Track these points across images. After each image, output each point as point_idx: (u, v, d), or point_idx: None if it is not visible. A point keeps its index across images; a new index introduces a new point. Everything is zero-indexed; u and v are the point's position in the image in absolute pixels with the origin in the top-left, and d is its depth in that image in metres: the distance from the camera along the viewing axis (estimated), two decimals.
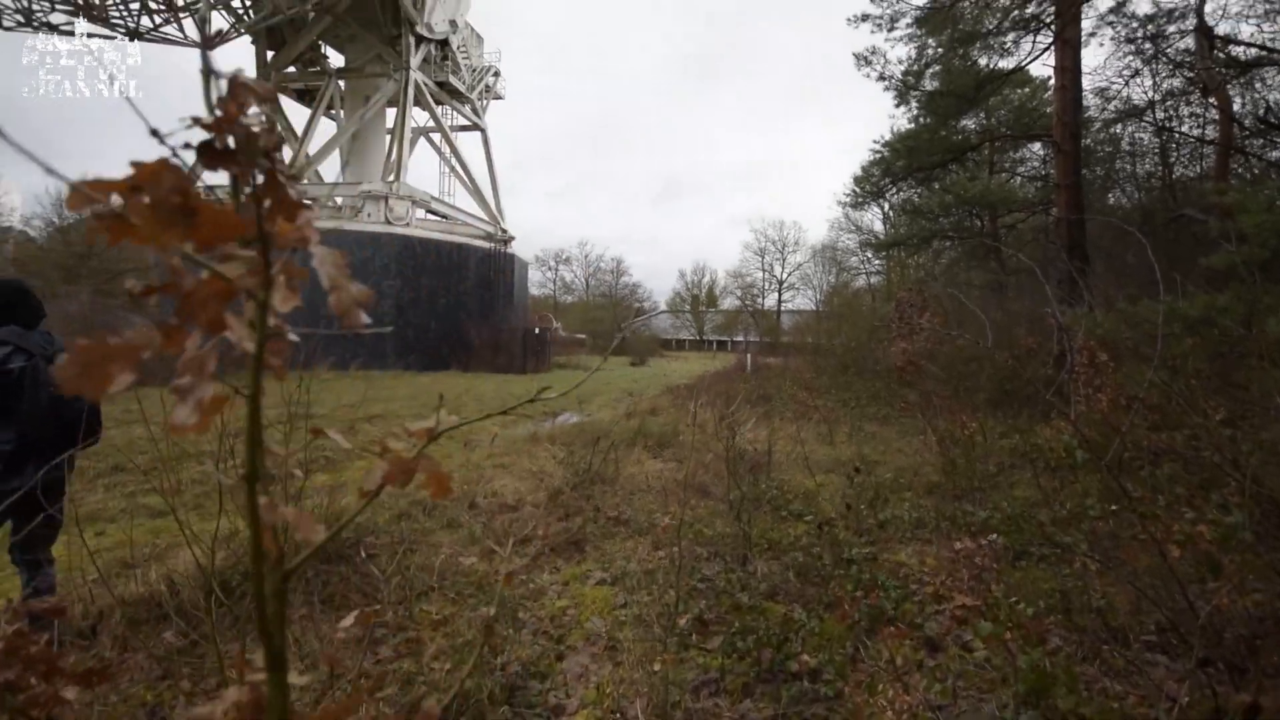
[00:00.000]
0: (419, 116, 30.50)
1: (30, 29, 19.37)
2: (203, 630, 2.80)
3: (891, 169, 13.79)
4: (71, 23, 18.87)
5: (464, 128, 30.79)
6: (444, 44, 26.99)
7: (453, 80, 27.23)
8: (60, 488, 2.82)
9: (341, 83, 26.85)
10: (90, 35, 19.40)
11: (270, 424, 7.76)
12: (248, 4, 22.74)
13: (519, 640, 2.70)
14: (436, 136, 29.96)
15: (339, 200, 25.57)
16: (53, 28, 18.94)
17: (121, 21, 19.94)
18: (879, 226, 29.98)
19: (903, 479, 5.27)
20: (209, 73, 0.42)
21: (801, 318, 38.35)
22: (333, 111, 27.16)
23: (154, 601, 2.86)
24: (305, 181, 24.71)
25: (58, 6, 18.83)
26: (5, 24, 19.09)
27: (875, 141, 12.90)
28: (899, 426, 8.72)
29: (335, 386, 15.80)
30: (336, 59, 27.51)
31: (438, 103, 27.11)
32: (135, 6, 19.87)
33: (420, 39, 25.17)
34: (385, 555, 3.74)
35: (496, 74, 32.25)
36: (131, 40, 20.38)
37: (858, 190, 16.69)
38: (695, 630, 2.69)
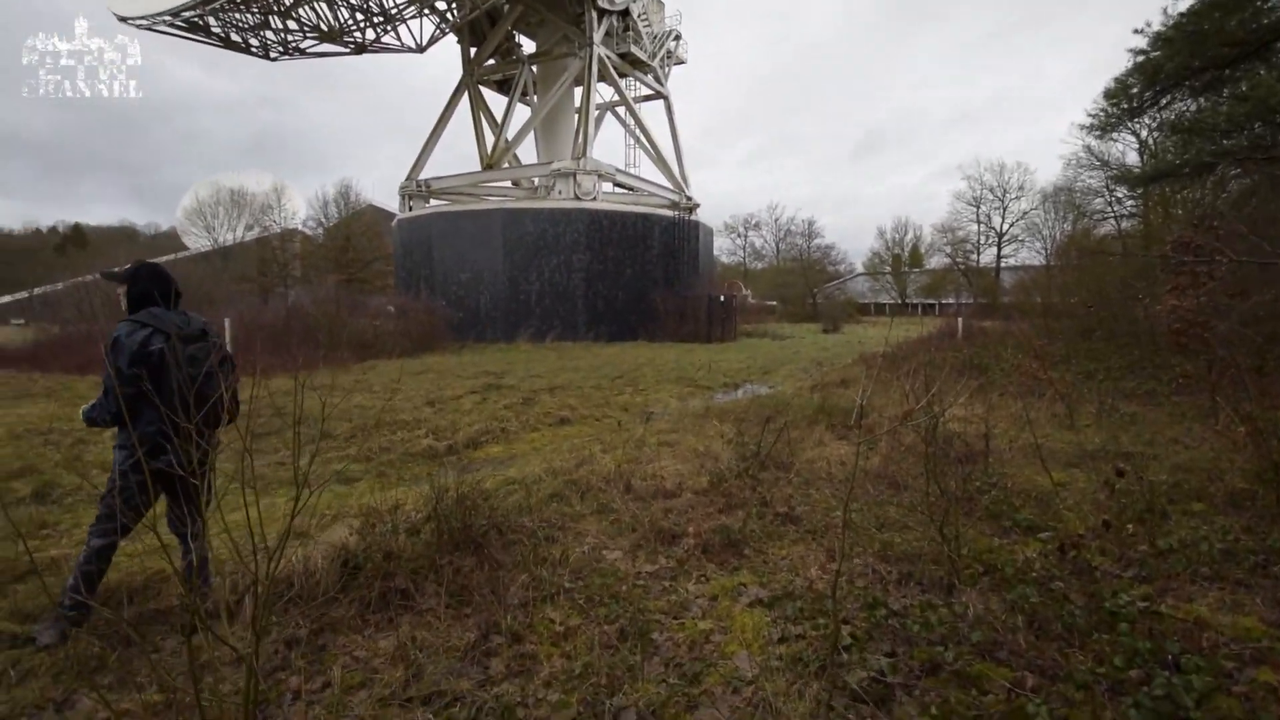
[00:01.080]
0: (604, 92, 31.16)
1: (289, 57, 22.92)
2: (329, 617, 2.73)
3: (1161, 72, 10.73)
4: (313, 44, 21.91)
5: (648, 97, 30.84)
6: (625, 14, 27.02)
7: (634, 50, 27.22)
8: (205, 465, 2.90)
9: (534, 68, 28.19)
10: (323, 54, 22.45)
11: (461, 395, 8.13)
12: (451, 5, 24.64)
13: (644, 673, 2.21)
14: (622, 110, 30.40)
15: (535, 180, 27.11)
16: (302, 51, 22.22)
17: (353, 39, 22.71)
18: (1133, 158, 24.44)
19: (1189, 483, 3.87)
20: None
21: (1026, 274, 33.08)
22: (527, 97, 28.69)
23: (289, 581, 2.84)
24: (505, 165, 26.53)
25: (308, 35, 21.96)
26: (272, 55, 22.74)
27: (1140, 31, 10.06)
28: (1171, 408, 6.76)
29: (531, 357, 16.78)
30: (529, 46, 28.94)
31: (621, 75, 27.33)
32: (364, 25, 22.53)
33: (602, 12, 25.40)
34: (526, 543, 3.49)
35: (678, 38, 31.69)
36: (358, 53, 23.19)
37: (1108, 110, 13.41)
38: (870, 696, 1.98)
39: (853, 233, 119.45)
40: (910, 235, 71.21)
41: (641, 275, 24.39)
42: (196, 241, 48.77)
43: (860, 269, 68.42)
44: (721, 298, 25.77)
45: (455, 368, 13.62)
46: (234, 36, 21.98)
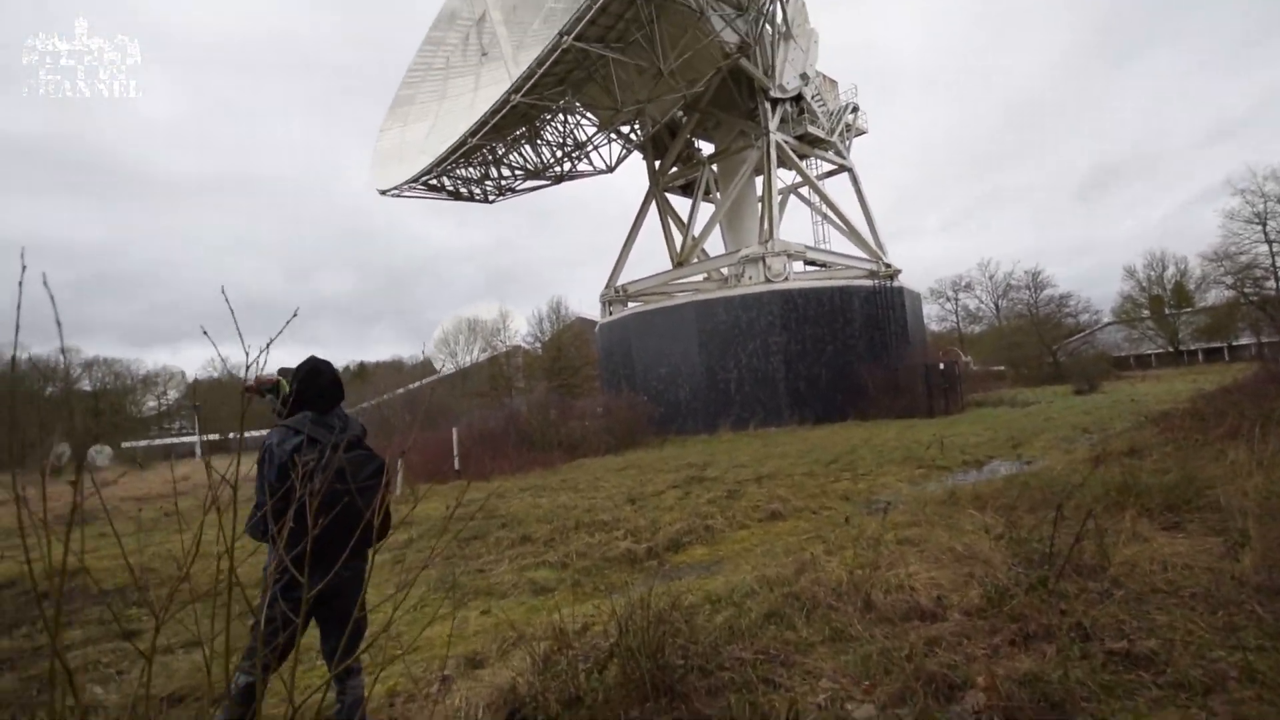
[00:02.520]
0: (785, 176, 31.20)
1: (503, 198, 26.36)
2: None
3: None
4: (525, 180, 24.94)
5: (831, 173, 30.23)
6: (798, 99, 27.17)
7: (811, 130, 27.03)
8: (356, 591, 2.56)
9: (714, 167, 29.26)
10: (531, 189, 25.40)
11: (663, 490, 7.61)
12: (634, 126, 26.82)
13: None
14: (805, 190, 30.04)
15: (725, 271, 27.39)
16: (514, 190, 25.44)
17: (553, 172, 25.52)
18: None
19: None
20: None
21: None
22: (710, 195, 29.70)
23: None
24: (694, 260, 27.22)
25: (516, 173, 25.15)
26: (490, 199, 26.32)
27: None
28: None
29: (734, 446, 16.01)
30: (707, 148, 30.27)
31: (801, 156, 27.18)
32: (563, 158, 25.35)
33: (775, 102, 25.79)
34: (737, 684, 2.64)
35: (855, 109, 31.05)
36: (558, 183, 25.89)
37: None
38: None
39: (1090, 281, 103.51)
40: (1171, 270, 59.58)
41: (844, 350, 22.78)
42: (444, 367, 56.82)
43: (1108, 317, 58.11)
44: (941, 365, 22.99)
45: (657, 462, 13.31)
46: (461, 190, 25.93)
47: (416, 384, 38.95)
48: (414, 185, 23.49)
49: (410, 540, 6.77)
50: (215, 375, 71.78)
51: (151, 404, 64.58)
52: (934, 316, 59.34)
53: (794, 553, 4.87)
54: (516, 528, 6.67)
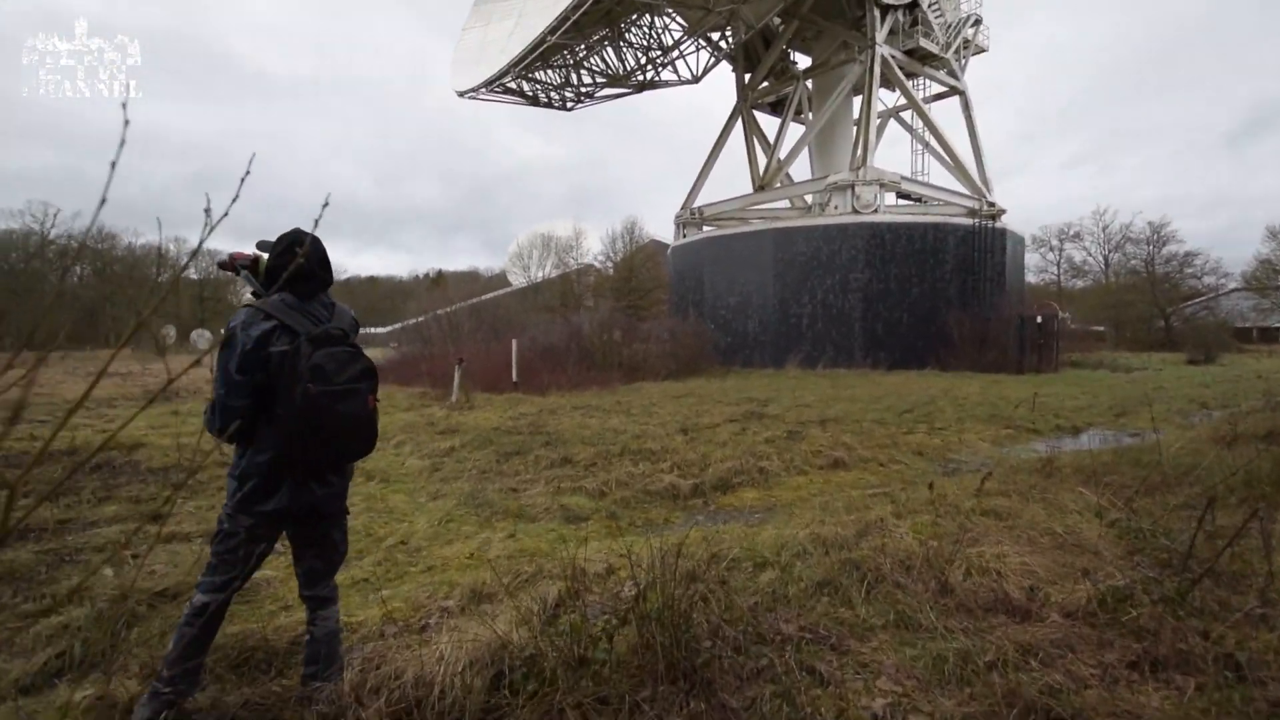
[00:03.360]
0: (886, 99, 28.44)
1: (582, 105, 25.27)
2: None
3: None
4: (606, 86, 23.73)
5: (939, 96, 27.23)
6: (912, 7, 24.25)
7: (924, 44, 24.21)
8: (335, 509, 2.19)
9: (809, 83, 26.92)
10: (611, 98, 24.13)
11: (719, 423, 7.14)
12: (725, 33, 24.77)
13: None
14: (908, 114, 27.37)
15: (809, 199, 25.66)
16: (593, 97, 24.28)
17: (635, 79, 24.09)
18: None
19: None
20: None
21: None
22: (801, 116, 27.51)
23: (427, 682, 1.96)
24: (777, 185, 25.57)
25: (597, 79, 23.91)
26: (569, 106, 25.29)
27: None
28: None
29: (800, 384, 15.28)
30: (803, 63, 27.80)
31: (908, 74, 24.59)
32: (646, 65, 23.83)
33: (886, 9, 23.13)
34: (776, 670, 2.18)
35: (977, 23, 27.49)
36: (640, 91, 24.50)
37: None
38: None
39: (1226, 240, 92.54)
40: None
41: (931, 294, 21.16)
42: (517, 280, 57.50)
43: (1233, 285, 51.90)
44: (1039, 319, 21.07)
45: (717, 393, 12.82)
46: (540, 95, 24.97)
47: (487, 296, 39.45)
48: (492, 87, 22.72)
49: (452, 449, 6.62)
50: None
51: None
52: (1033, 267, 54.52)
53: (857, 510, 4.32)
54: (560, 447, 6.37)
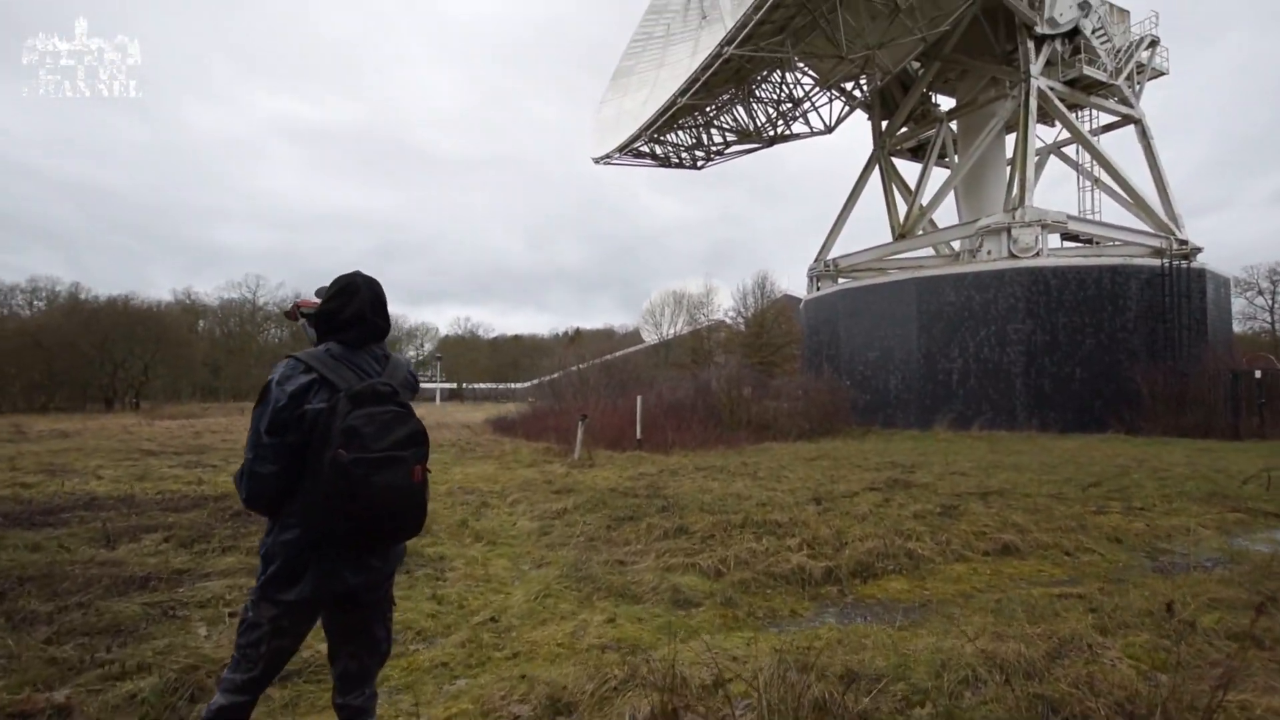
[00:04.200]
0: (1046, 135, 26.10)
1: (712, 163, 25.53)
2: None
3: None
4: (736, 143, 23.80)
5: (1110, 126, 24.44)
6: (1073, 34, 22.21)
7: (1089, 72, 21.96)
8: (376, 598, 1.84)
9: (953, 125, 25.37)
10: (741, 153, 24.11)
11: (858, 492, 6.33)
12: (860, 81, 24.11)
13: None
14: (1072, 149, 24.83)
15: (956, 245, 23.77)
16: (722, 154, 24.43)
17: (766, 134, 23.99)
18: None
19: None
20: None
21: None
22: (945, 159, 25.91)
23: None
24: (920, 233, 23.96)
25: (728, 135, 24.10)
26: (699, 165, 25.67)
27: None
28: None
29: (952, 448, 13.64)
30: (946, 103, 26.34)
31: (1070, 106, 22.38)
32: (777, 119, 23.71)
33: (1041, 39, 21.37)
34: None
35: (1153, 44, 24.62)
36: (769, 145, 24.30)
37: None
38: None
39: None
40: None
41: (1111, 345, 18.41)
42: (649, 337, 58.61)
43: None
44: (1257, 373, 17.55)
45: (855, 456, 11.68)
46: (671, 156, 25.60)
47: (620, 353, 40.29)
48: (625, 151, 23.61)
49: (564, 511, 6.32)
50: (459, 333, 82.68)
51: (411, 353, 76.61)
52: (1239, 314, 46.30)
53: (1042, 618, 3.39)
54: (676, 514, 5.85)
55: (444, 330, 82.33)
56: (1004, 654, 2.80)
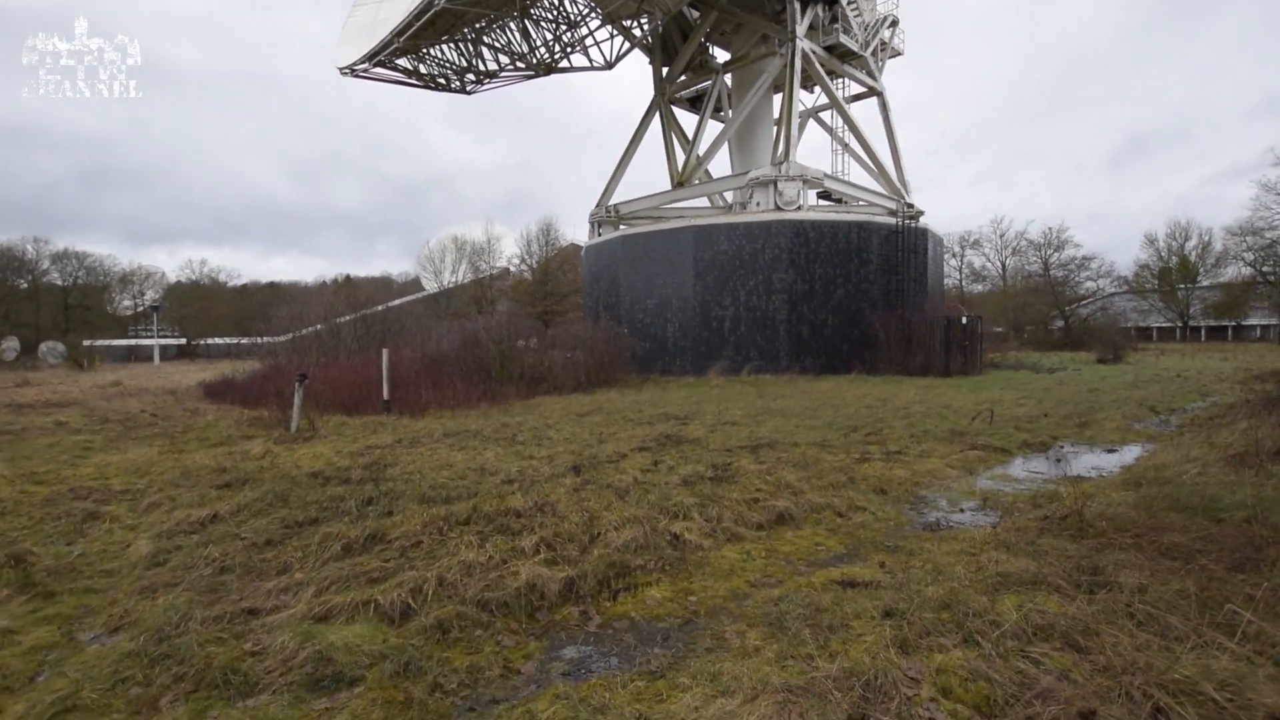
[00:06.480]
0: (807, 100, 27.82)
1: (483, 88, 22.97)
2: None
3: None
4: (510, 67, 21.54)
5: (858, 96, 26.73)
6: (831, 2, 23.54)
7: (844, 40, 23.49)
8: None
9: (728, 78, 25.80)
10: (515, 80, 21.96)
11: (626, 454, 5.21)
12: (640, 19, 23.20)
13: None
14: (827, 115, 26.75)
15: (729, 196, 24.43)
16: (494, 76, 22.01)
17: (543, 61, 22.08)
18: None
19: None
20: None
21: None
22: (721, 113, 26.38)
23: None
24: (696, 182, 24.15)
25: (502, 60, 21.73)
26: (469, 90, 22.94)
27: None
28: None
29: (725, 394, 13.69)
30: (721, 57, 26.70)
31: (828, 73, 23.81)
32: (556, 47, 21.89)
33: (805, 2, 22.23)
34: None
35: (894, 24, 27.25)
36: (545, 74, 22.50)
37: None
38: None
39: (1104, 248, 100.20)
40: (1195, 241, 56.95)
41: (856, 295, 20.23)
42: (430, 285, 53.94)
43: (1111, 288, 55.62)
44: (963, 320, 20.56)
45: (630, 408, 10.96)
46: (437, 76, 22.51)
47: (395, 302, 36.15)
48: (377, 61, 20.08)
49: (216, 516, 4.38)
50: (195, 278, 67.91)
51: (128, 303, 61.48)
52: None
53: (831, 631, 2.52)
54: (381, 511, 4.29)
55: (173, 276, 67.33)
56: (802, 703, 1.79)
